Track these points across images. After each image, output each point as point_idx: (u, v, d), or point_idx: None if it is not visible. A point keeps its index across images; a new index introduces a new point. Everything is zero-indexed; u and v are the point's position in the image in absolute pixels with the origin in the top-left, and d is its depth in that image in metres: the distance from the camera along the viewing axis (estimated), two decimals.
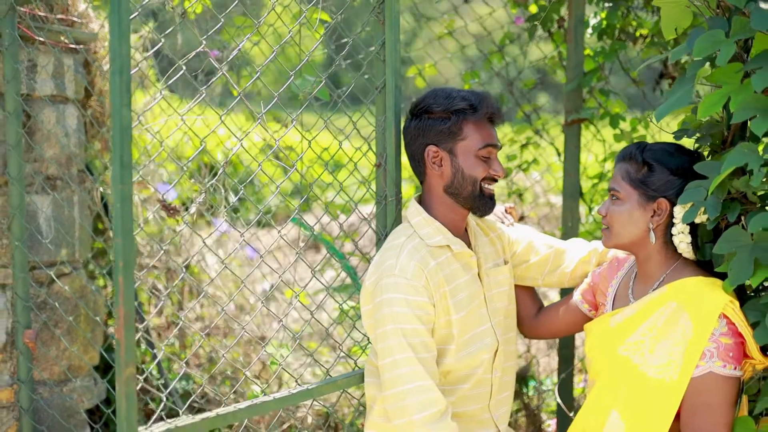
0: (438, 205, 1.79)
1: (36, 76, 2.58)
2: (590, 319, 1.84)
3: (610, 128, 2.39)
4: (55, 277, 2.59)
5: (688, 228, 1.61)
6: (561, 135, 2.42)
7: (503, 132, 2.51)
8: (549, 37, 2.53)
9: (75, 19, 2.71)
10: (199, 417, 1.45)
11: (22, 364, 2.51)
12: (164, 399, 1.38)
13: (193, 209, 3.21)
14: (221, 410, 1.50)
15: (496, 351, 1.80)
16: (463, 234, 1.83)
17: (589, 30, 2.31)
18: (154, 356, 2.96)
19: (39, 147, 2.58)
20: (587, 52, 2.35)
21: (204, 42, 1.80)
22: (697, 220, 1.59)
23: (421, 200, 1.82)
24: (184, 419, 1.45)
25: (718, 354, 1.51)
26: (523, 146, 2.51)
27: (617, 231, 1.66)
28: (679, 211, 1.60)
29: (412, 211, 1.79)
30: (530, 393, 2.61)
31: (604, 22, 2.30)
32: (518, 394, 2.59)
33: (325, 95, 2.03)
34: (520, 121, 2.52)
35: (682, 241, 1.61)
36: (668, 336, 1.56)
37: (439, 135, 1.75)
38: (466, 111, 1.74)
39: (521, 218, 2.50)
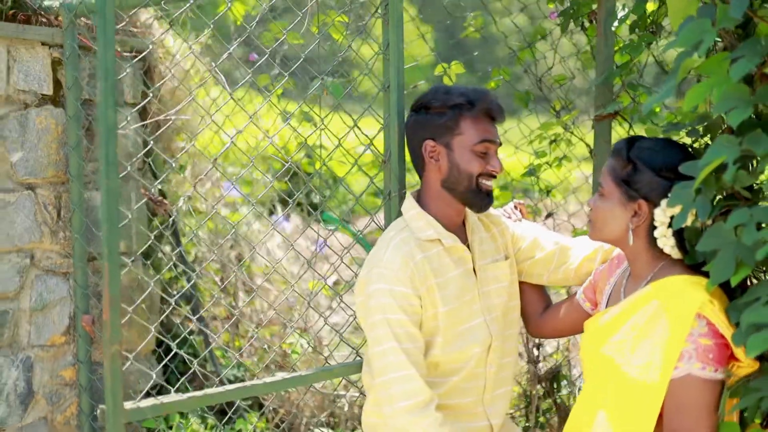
0: (434, 200, 1.82)
1: (96, 82, 2.81)
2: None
3: (650, 123, 2.32)
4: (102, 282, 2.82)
5: (670, 231, 1.56)
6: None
7: (531, 128, 2.50)
8: (582, 32, 2.49)
9: (134, 29, 2.93)
10: (186, 395, 1.56)
11: (82, 347, 2.75)
12: (153, 376, 1.50)
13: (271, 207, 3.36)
14: (209, 390, 1.61)
15: (490, 346, 1.82)
16: (458, 228, 1.85)
17: (615, 23, 2.25)
18: (207, 344, 3.14)
19: (97, 148, 2.80)
20: (620, 44, 2.30)
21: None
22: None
23: (419, 194, 1.86)
24: (172, 396, 1.56)
25: (697, 356, 1.46)
26: (552, 142, 2.48)
27: (599, 227, 1.64)
28: (659, 214, 1.56)
29: (407, 205, 1.83)
30: (562, 393, 2.57)
31: (631, 14, 2.23)
32: (549, 394, 2.56)
33: (338, 92, 2.10)
34: (550, 117, 2.49)
35: (666, 244, 1.56)
36: (649, 336, 1.52)
37: (436, 129, 1.78)
38: (463, 106, 1.76)
39: (548, 215, 2.47)
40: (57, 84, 2.73)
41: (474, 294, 1.81)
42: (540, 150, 2.50)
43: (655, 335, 1.50)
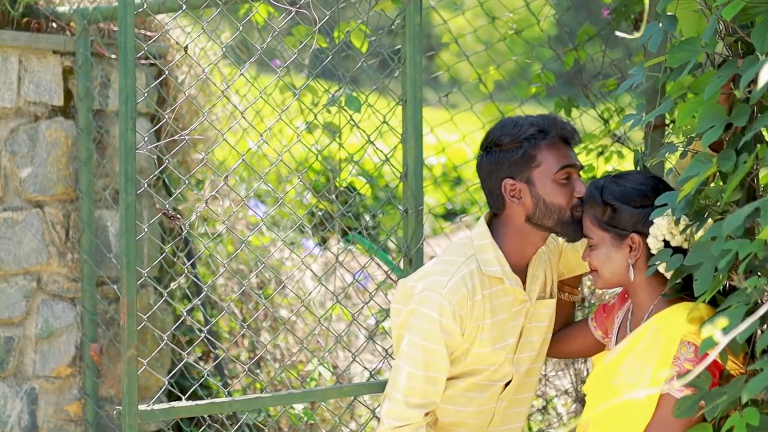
0: (512, 235, 2.36)
1: (108, 92, 3.63)
2: (603, 345, 2.42)
3: None
4: (120, 293, 3.59)
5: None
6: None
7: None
8: (635, 31, 3.11)
9: (149, 33, 3.74)
10: (194, 402, 2.29)
11: (89, 378, 3.53)
12: (166, 383, 2.24)
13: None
14: (216, 400, 2.33)
15: (508, 383, 2.41)
16: (523, 267, 2.39)
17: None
18: (225, 384, 3.89)
19: (109, 162, 3.61)
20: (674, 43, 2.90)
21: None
22: (674, 243, 2.13)
23: (491, 222, 2.39)
24: (182, 403, 2.30)
25: (679, 378, 2.04)
26: (600, 154, 3.10)
27: (602, 274, 2.23)
28: (652, 241, 2.14)
29: (479, 232, 2.36)
30: None
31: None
32: None
33: (355, 105, 2.83)
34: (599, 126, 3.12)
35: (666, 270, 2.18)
36: (644, 357, 2.11)
37: (513, 166, 2.30)
38: (536, 136, 2.30)
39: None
40: (67, 94, 3.55)
41: (515, 338, 2.38)
42: (587, 163, 3.14)
43: (649, 357, 2.11)
